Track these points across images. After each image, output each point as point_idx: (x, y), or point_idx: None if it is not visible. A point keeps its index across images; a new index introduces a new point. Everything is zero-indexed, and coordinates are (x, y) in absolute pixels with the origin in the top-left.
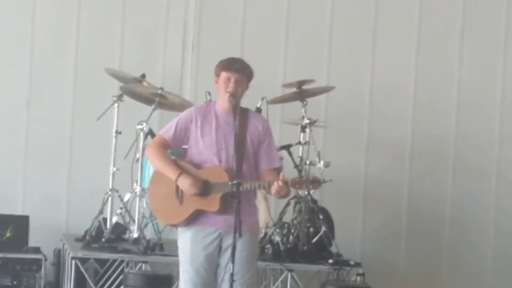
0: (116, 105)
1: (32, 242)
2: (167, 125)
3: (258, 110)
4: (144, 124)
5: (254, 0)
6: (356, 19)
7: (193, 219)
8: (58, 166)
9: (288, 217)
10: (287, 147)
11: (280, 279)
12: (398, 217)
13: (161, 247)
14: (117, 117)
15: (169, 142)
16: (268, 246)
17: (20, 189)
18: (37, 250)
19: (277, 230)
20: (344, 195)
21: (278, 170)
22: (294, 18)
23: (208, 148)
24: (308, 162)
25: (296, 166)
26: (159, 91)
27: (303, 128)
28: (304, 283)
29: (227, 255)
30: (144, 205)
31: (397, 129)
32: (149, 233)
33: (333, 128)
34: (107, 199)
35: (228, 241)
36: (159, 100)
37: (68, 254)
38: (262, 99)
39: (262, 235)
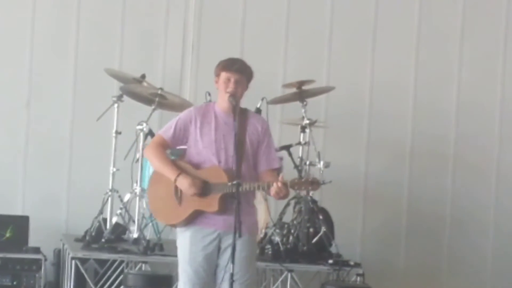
0: (116, 105)
1: (32, 242)
2: (166, 125)
3: (258, 110)
4: (144, 124)
5: (254, 0)
6: (356, 19)
7: (192, 219)
8: (58, 166)
9: (288, 218)
10: (287, 148)
11: (280, 279)
12: (398, 217)
13: (161, 247)
14: (117, 117)
15: (168, 142)
16: (268, 246)
17: (20, 189)
18: (37, 250)
19: (277, 230)
20: (344, 196)
21: (277, 170)
22: (294, 18)
23: (207, 148)
24: (308, 162)
25: (296, 166)
26: (159, 91)
27: (303, 129)
28: (304, 283)
29: (226, 255)
30: (144, 205)
31: (397, 129)
32: (149, 234)
33: (333, 128)
34: (107, 199)
35: (227, 242)
36: (159, 100)
37: (68, 254)
38: (262, 99)
39: (262, 235)
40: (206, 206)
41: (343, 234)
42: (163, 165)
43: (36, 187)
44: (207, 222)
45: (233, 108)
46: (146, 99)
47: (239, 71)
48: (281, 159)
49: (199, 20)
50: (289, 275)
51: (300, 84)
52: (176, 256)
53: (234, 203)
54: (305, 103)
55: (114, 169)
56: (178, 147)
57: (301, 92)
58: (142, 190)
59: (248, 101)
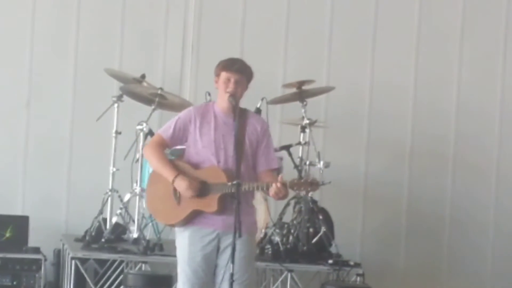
0: (116, 105)
1: (32, 242)
2: (166, 124)
3: (258, 110)
4: (144, 124)
5: (254, 0)
6: (356, 19)
7: (191, 219)
8: (58, 166)
9: (288, 218)
10: (287, 148)
11: (280, 279)
12: (398, 218)
13: (161, 247)
14: (117, 117)
15: (167, 142)
16: (268, 246)
17: (20, 189)
18: (37, 250)
19: (277, 230)
20: (344, 196)
21: (276, 171)
22: (294, 18)
23: (206, 148)
24: (308, 162)
25: (296, 166)
26: (159, 91)
27: (303, 129)
28: (304, 283)
29: (225, 255)
30: (144, 205)
31: (397, 129)
32: (148, 234)
33: (333, 128)
34: (107, 199)
35: (226, 242)
36: (159, 100)
37: (68, 254)
38: (262, 99)
39: (262, 235)
40: (205, 206)
41: (343, 234)
42: (162, 165)
43: (36, 187)
44: (206, 222)
45: (233, 108)
46: (146, 99)
47: (239, 71)
48: (281, 159)
49: (199, 20)
50: (289, 275)
51: (300, 84)
52: (175, 256)
53: (233, 203)
54: (305, 103)
55: (114, 169)
56: (177, 147)
57: (301, 92)
58: (142, 190)
59: (248, 101)
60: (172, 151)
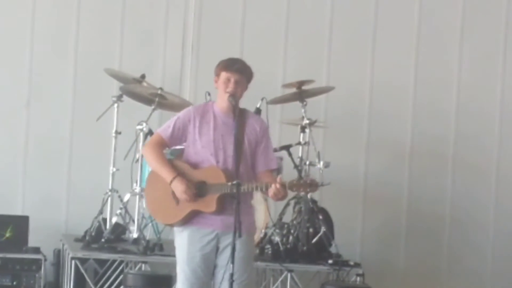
0: (116, 105)
1: (32, 242)
2: (165, 123)
3: (258, 110)
4: (144, 124)
5: (254, 0)
6: (356, 19)
7: (190, 219)
8: (58, 166)
9: (287, 218)
10: (287, 148)
11: (280, 279)
12: (398, 218)
13: (161, 248)
14: (117, 117)
15: (166, 141)
16: (268, 246)
17: (20, 189)
18: (37, 250)
19: (277, 230)
20: (344, 196)
21: (275, 171)
22: (294, 18)
23: (205, 148)
24: (308, 162)
25: (296, 166)
26: (159, 92)
27: (303, 129)
28: (304, 283)
29: (224, 255)
30: (144, 205)
31: (396, 129)
32: (148, 234)
33: (333, 128)
34: (107, 199)
35: (225, 242)
36: (159, 100)
37: (68, 254)
38: (262, 99)
39: (262, 235)
40: (204, 206)
41: (343, 234)
42: (160, 165)
43: (36, 187)
44: (204, 222)
45: (233, 108)
46: (146, 99)
47: (239, 71)
48: (281, 159)
49: (199, 20)
50: (289, 275)
51: (300, 84)
52: (175, 256)
53: (232, 203)
54: (305, 103)
55: (114, 169)
56: (176, 147)
57: (301, 92)
58: (142, 190)
59: (248, 101)
60: (172, 151)
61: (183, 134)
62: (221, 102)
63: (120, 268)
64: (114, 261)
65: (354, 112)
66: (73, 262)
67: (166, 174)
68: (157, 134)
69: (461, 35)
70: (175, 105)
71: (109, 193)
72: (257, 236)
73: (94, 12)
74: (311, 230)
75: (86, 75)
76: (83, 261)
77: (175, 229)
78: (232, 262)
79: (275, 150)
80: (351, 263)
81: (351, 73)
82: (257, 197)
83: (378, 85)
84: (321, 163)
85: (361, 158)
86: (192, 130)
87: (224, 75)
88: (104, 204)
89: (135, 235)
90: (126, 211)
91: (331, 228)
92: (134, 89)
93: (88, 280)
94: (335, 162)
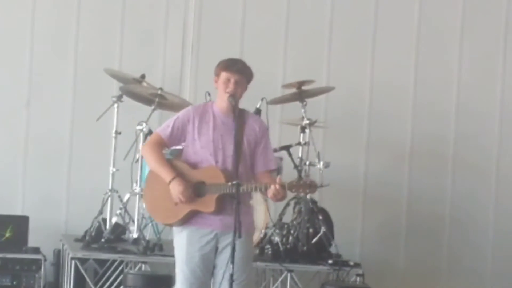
0: (115, 105)
1: (32, 242)
2: (164, 123)
3: (258, 110)
4: (144, 124)
5: (254, 0)
6: (356, 19)
7: (188, 219)
8: (58, 166)
9: (287, 218)
10: (286, 148)
11: (280, 279)
12: (398, 218)
13: (161, 248)
14: (117, 117)
15: (165, 141)
16: (268, 246)
17: (19, 190)
18: (36, 250)
19: (277, 230)
20: (344, 196)
21: (274, 172)
22: (294, 18)
23: (204, 148)
24: (308, 162)
25: (295, 166)
26: (159, 92)
27: (302, 129)
28: (304, 283)
29: (223, 255)
30: (144, 205)
31: (396, 129)
32: (148, 234)
33: (333, 128)
34: (107, 199)
35: (224, 242)
36: (159, 100)
37: (68, 254)
38: (262, 99)
39: (262, 235)
40: (203, 206)
41: (343, 234)
42: (159, 165)
43: (35, 187)
44: (203, 223)
45: (233, 108)
46: (146, 99)
47: (239, 71)
48: (280, 159)
49: (199, 20)
50: (288, 275)
51: (300, 84)
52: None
53: (231, 203)
54: (304, 103)
55: (114, 169)
56: (176, 147)
57: (301, 92)
58: (142, 190)
59: (248, 101)
60: (171, 151)
61: (182, 134)
62: (220, 102)
63: (120, 268)
64: (114, 261)
65: (354, 112)
66: (73, 262)
67: (165, 174)
68: (156, 133)
69: (461, 35)
70: (175, 105)
71: (109, 193)
72: (257, 236)
73: (94, 12)
74: (311, 230)
75: (86, 75)
76: (83, 261)
77: (174, 229)
78: (232, 262)
79: (275, 150)
80: (351, 263)
81: (351, 73)
82: (257, 197)
83: (378, 85)
84: (321, 163)
85: (361, 158)
86: (191, 130)
87: (224, 75)
88: (104, 204)
89: (135, 235)
90: (126, 211)
91: (331, 228)
92: (134, 89)
93: (88, 280)
94: (335, 162)
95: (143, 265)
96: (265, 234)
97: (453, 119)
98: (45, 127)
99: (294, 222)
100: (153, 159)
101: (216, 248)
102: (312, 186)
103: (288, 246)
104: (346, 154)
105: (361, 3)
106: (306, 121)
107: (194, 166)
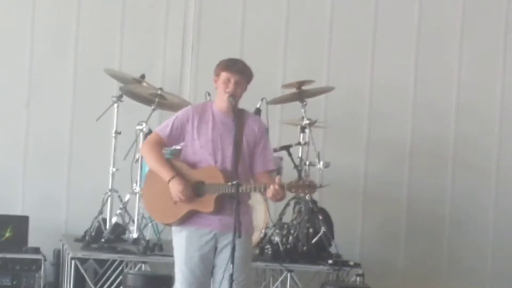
0: (115, 105)
1: (32, 242)
2: (164, 123)
3: (258, 110)
4: (144, 124)
5: (254, 0)
6: (356, 19)
7: (187, 219)
8: (57, 166)
9: (287, 218)
10: (286, 148)
11: (280, 279)
12: (398, 218)
13: (161, 248)
14: (117, 117)
15: (165, 140)
16: (268, 246)
17: (19, 189)
18: (36, 250)
19: (277, 230)
20: (344, 196)
21: (273, 172)
22: (294, 18)
23: (204, 148)
24: (307, 162)
25: (295, 166)
26: (159, 92)
27: (302, 129)
28: (304, 283)
29: (222, 255)
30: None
31: (396, 129)
32: (148, 234)
33: (333, 128)
34: (107, 199)
35: (223, 242)
36: (159, 100)
37: (68, 254)
38: (262, 99)
39: (262, 235)
40: (202, 206)
41: (343, 234)
42: (159, 164)
43: (35, 187)
44: (202, 223)
45: (232, 108)
46: (146, 99)
47: (239, 72)
48: (280, 159)
49: (199, 20)
50: (288, 275)
51: (300, 84)
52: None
53: (230, 203)
54: (304, 103)
55: (114, 169)
56: (176, 147)
57: (300, 92)
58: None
59: (248, 101)
60: (171, 151)
61: (182, 134)
62: (220, 102)
63: (120, 268)
64: (114, 261)
65: (354, 112)
66: (73, 262)
67: (164, 173)
68: (156, 133)
69: (461, 35)
70: (175, 105)
71: (109, 193)
72: (257, 236)
73: (94, 12)
74: (311, 230)
75: (86, 75)
76: (83, 261)
77: (173, 229)
78: (232, 262)
79: (275, 150)
80: (351, 263)
81: (351, 73)
82: (257, 197)
83: (378, 85)
84: (321, 163)
85: (361, 158)
86: (190, 129)
87: (224, 75)
88: (104, 204)
89: (135, 235)
90: (126, 211)
91: (331, 228)
92: (134, 89)
93: (88, 280)
94: (335, 162)
95: (143, 265)
96: (265, 234)
97: (453, 119)
98: (45, 127)
99: (294, 222)
100: (153, 159)
101: (215, 248)
102: (311, 187)
103: (288, 246)
104: (346, 154)
105: (361, 3)
106: (306, 121)
107: (193, 166)
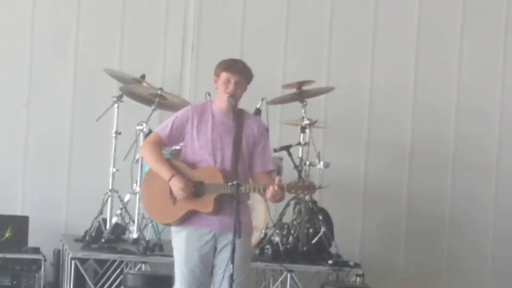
0: (116, 105)
1: (32, 242)
2: (163, 123)
3: (258, 110)
4: (144, 124)
5: (254, 0)
6: (356, 19)
7: (186, 219)
8: (58, 167)
9: (287, 218)
10: (287, 148)
11: (280, 279)
12: (398, 218)
13: (161, 248)
14: (117, 117)
15: (164, 140)
16: (268, 246)
17: (19, 190)
18: (36, 250)
19: (277, 231)
20: (344, 196)
21: (273, 173)
22: (294, 18)
23: (203, 148)
24: (308, 162)
25: (295, 167)
26: (159, 92)
27: (303, 129)
28: (304, 283)
29: (222, 255)
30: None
31: (396, 130)
32: (148, 234)
33: (333, 129)
34: (107, 199)
35: (223, 242)
36: (159, 100)
37: (68, 254)
38: (262, 99)
39: (262, 235)
40: (201, 206)
41: (343, 234)
42: (158, 164)
43: (35, 187)
44: (201, 223)
45: (233, 108)
46: (146, 100)
47: (240, 72)
48: (280, 159)
49: (199, 20)
50: (288, 275)
51: (300, 84)
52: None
53: (230, 203)
54: (305, 103)
55: (114, 170)
56: (174, 147)
57: (301, 93)
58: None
59: (248, 102)
60: (171, 151)
61: (181, 134)
62: (220, 102)
63: (120, 268)
64: (114, 261)
65: (354, 112)
66: (73, 262)
67: (164, 172)
68: (155, 133)
69: (461, 35)
70: (175, 106)
71: (109, 193)
72: (257, 236)
73: (94, 12)
74: (311, 230)
75: (86, 75)
76: (83, 261)
77: (173, 229)
78: (232, 262)
79: (275, 151)
80: (351, 263)
81: (351, 73)
82: (257, 197)
83: (378, 86)
84: (321, 163)
85: (361, 158)
86: (190, 129)
87: (224, 75)
88: (104, 204)
89: (135, 235)
90: (126, 212)
91: (331, 229)
92: (134, 89)
93: (88, 280)
94: (335, 162)
95: (143, 265)
96: (265, 234)
97: (453, 119)
98: (45, 127)
99: (294, 222)
100: (152, 158)
101: (215, 248)
102: (311, 188)
103: (288, 246)
104: (346, 154)
105: (361, 3)
106: (306, 121)
107: (192, 166)
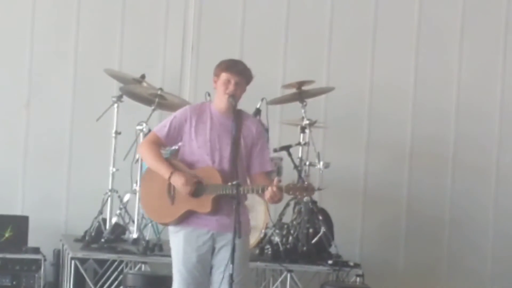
0: (115, 105)
1: (32, 242)
2: (161, 122)
3: (258, 110)
4: (144, 124)
5: (254, 0)
6: (356, 20)
7: (184, 219)
8: (57, 167)
9: (287, 218)
10: (286, 148)
11: (280, 279)
12: (398, 218)
13: (161, 248)
14: (117, 117)
15: (162, 140)
16: (268, 246)
17: (19, 190)
18: (36, 250)
19: (277, 231)
20: (344, 196)
21: (272, 173)
22: (294, 18)
23: (201, 148)
24: (307, 163)
25: (295, 167)
26: (159, 92)
27: (302, 129)
28: (304, 283)
29: (220, 255)
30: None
31: (396, 130)
32: (148, 234)
33: (333, 129)
34: (107, 199)
35: (221, 242)
36: (159, 100)
37: (68, 254)
38: (262, 99)
39: (261, 235)
40: (199, 206)
41: (343, 234)
42: (157, 162)
43: (35, 187)
44: (199, 223)
45: (232, 108)
46: (146, 100)
47: (240, 73)
48: (280, 159)
49: (199, 20)
50: (288, 275)
51: (300, 84)
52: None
53: (228, 203)
54: (304, 103)
55: (114, 169)
56: (172, 147)
57: (300, 93)
58: None
59: (248, 102)
60: (171, 151)
61: (179, 134)
62: (219, 102)
63: (120, 268)
64: (113, 261)
65: (354, 112)
66: (72, 262)
67: (164, 170)
68: (153, 133)
69: (461, 35)
70: (175, 106)
71: (109, 193)
72: (257, 236)
73: (94, 12)
74: (311, 230)
75: (86, 75)
76: (83, 261)
77: (170, 229)
78: (232, 262)
79: (275, 151)
80: (351, 263)
81: (351, 73)
82: (257, 197)
83: (378, 86)
84: (321, 163)
85: (361, 158)
86: (188, 129)
87: (224, 76)
88: (104, 204)
89: (134, 235)
90: (126, 211)
91: (331, 229)
92: (134, 90)
93: (88, 280)
94: (335, 162)
95: (143, 265)
96: (265, 234)
97: (453, 119)
98: (45, 127)
99: (294, 222)
100: (151, 157)
101: (213, 249)
102: (310, 189)
103: (288, 246)
104: (346, 154)
105: (361, 3)
106: (306, 122)
107: (190, 166)
